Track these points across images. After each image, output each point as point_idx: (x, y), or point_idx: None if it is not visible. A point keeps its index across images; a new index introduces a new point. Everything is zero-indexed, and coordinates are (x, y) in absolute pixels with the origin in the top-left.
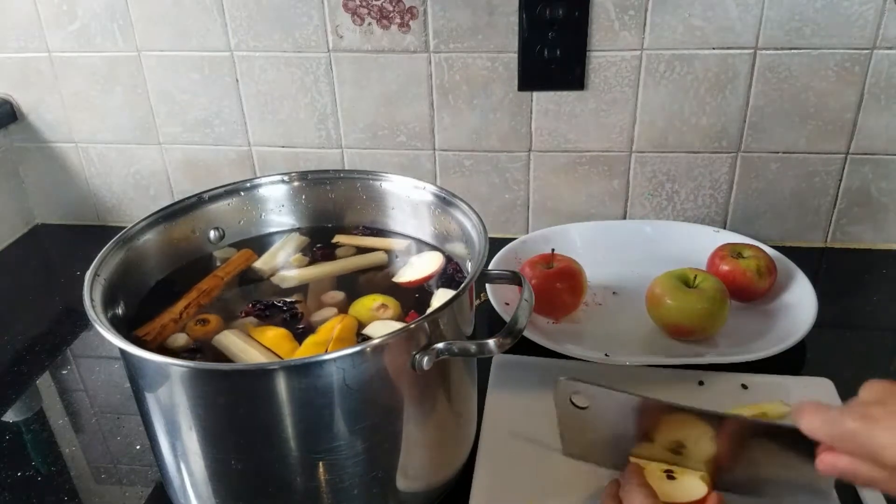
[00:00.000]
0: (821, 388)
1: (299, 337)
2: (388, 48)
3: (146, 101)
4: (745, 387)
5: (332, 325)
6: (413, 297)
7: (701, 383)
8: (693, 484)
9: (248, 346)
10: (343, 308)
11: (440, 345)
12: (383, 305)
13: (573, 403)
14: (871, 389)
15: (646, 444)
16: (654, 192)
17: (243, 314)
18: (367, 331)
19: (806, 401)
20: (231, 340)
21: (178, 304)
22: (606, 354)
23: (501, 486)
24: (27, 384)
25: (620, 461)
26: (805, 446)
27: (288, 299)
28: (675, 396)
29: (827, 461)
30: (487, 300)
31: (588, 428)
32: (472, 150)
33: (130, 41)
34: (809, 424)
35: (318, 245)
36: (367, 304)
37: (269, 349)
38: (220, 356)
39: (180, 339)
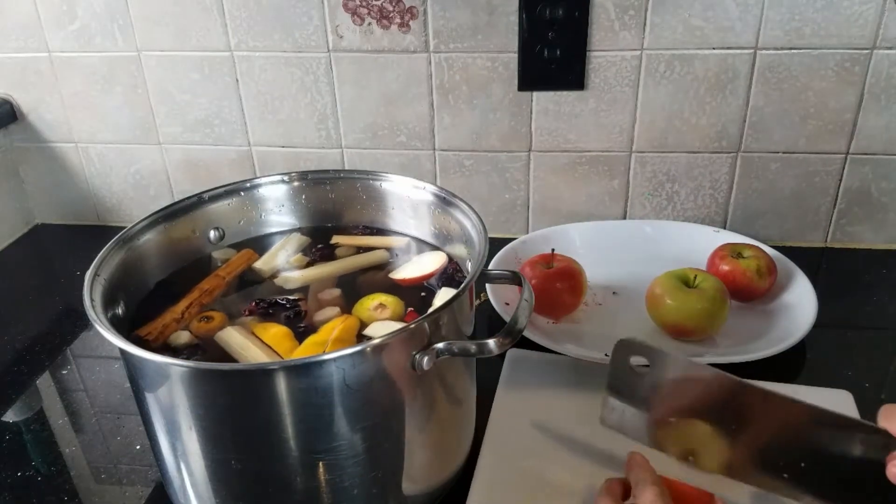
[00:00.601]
0: (840, 400)
1: (301, 336)
2: (388, 48)
3: (146, 101)
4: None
5: (333, 325)
6: (417, 297)
7: None
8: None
9: (248, 344)
10: (342, 305)
11: (440, 345)
12: (381, 305)
13: (631, 366)
14: None
15: (690, 425)
16: (654, 192)
17: (247, 312)
18: (368, 331)
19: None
20: (232, 337)
21: (180, 303)
22: (606, 354)
23: (503, 479)
24: (27, 384)
25: (657, 441)
26: (871, 450)
27: (291, 297)
28: None
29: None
30: (487, 300)
31: (638, 396)
32: (472, 150)
33: (130, 41)
34: None
35: (318, 246)
36: (367, 304)
37: (269, 347)
38: (223, 353)
39: (183, 337)
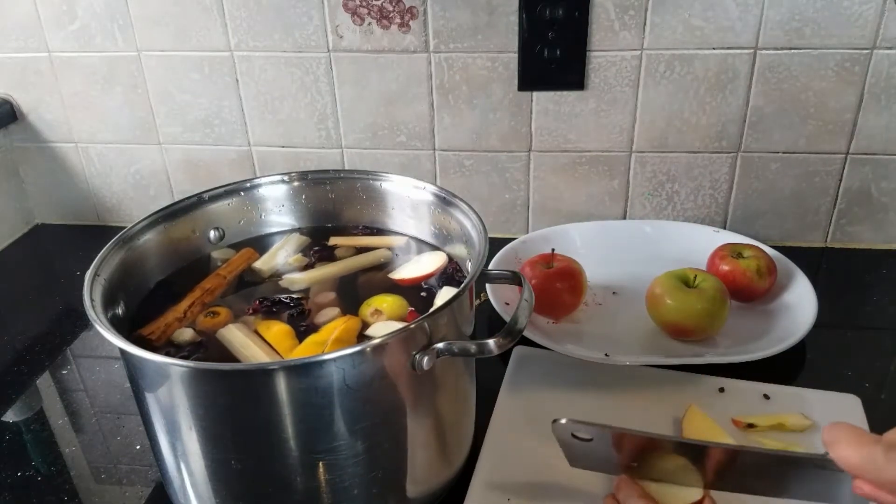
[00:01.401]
0: (848, 405)
1: (302, 335)
2: (388, 48)
3: (146, 101)
4: (767, 397)
5: (334, 326)
6: (417, 297)
7: (722, 390)
8: (688, 492)
9: (249, 342)
10: (342, 308)
11: (440, 345)
12: (376, 311)
13: (575, 437)
14: None
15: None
16: (654, 192)
17: (251, 310)
18: (369, 331)
19: (837, 424)
20: (234, 335)
21: (182, 302)
22: (606, 354)
23: (503, 478)
24: (27, 384)
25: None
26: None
27: (295, 295)
28: (695, 402)
29: (866, 489)
30: (487, 300)
31: (592, 455)
32: (472, 150)
33: (130, 41)
34: (845, 457)
35: (315, 248)
36: (365, 311)
37: (270, 345)
38: (225, 351)
39: (186, 334)
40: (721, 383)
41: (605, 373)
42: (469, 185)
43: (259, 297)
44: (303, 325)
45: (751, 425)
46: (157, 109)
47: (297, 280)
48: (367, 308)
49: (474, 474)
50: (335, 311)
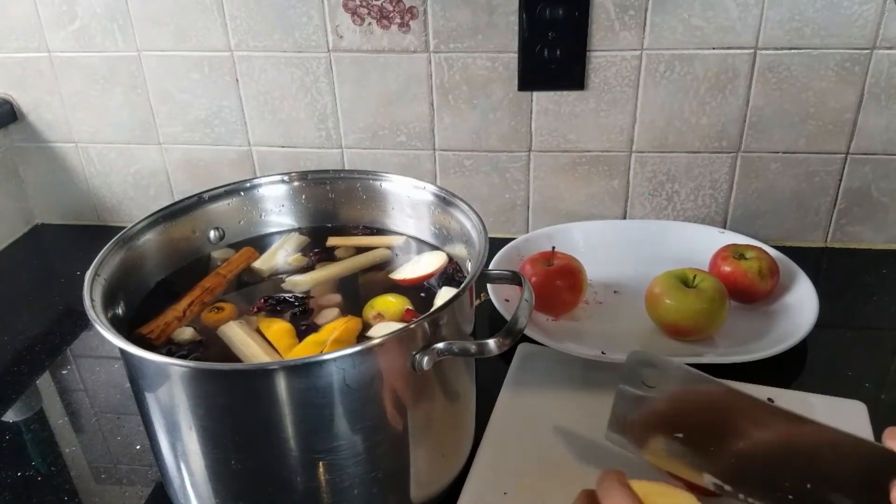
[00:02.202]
0: (852, 411)
1: (303, 334)
2: (388, 48)
3: (146, 101)
4: (770, 401)
5: (334, 326)
6: (417, 297)
7: None
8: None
9: (249, 340)
10: (343, 310)
11: (440, 345)
12: (378, 315)
13: (642, 381)
14: None
15: (694, 442)
16: (654, 192)
17: (255, 309)
18: (370, 331)
19: None
20: (234, 332)
21: (181, 301)
22: (603, 352)
23: (501, 477)
24: (27, 384)
25: (662, 461)
26: (879, 473)
27: (300, 294)
28: None
29: None
30: (488, 299)
31: (637, 414)
32: (472, 150)
33: (130, 41)
34: None
35: (317, 249)
36: (367, 312)
37: (270, 344)
38: (226, 349)
39: (186, 333)
40: None
41: (605, 372)
42: (469, 185)
43: (265, 295)
44: (304, 324)
45: None
46: (157, 109)
47: (299, 282)
48: (370, 310)
49: (472, 468)
50: (336, 311)
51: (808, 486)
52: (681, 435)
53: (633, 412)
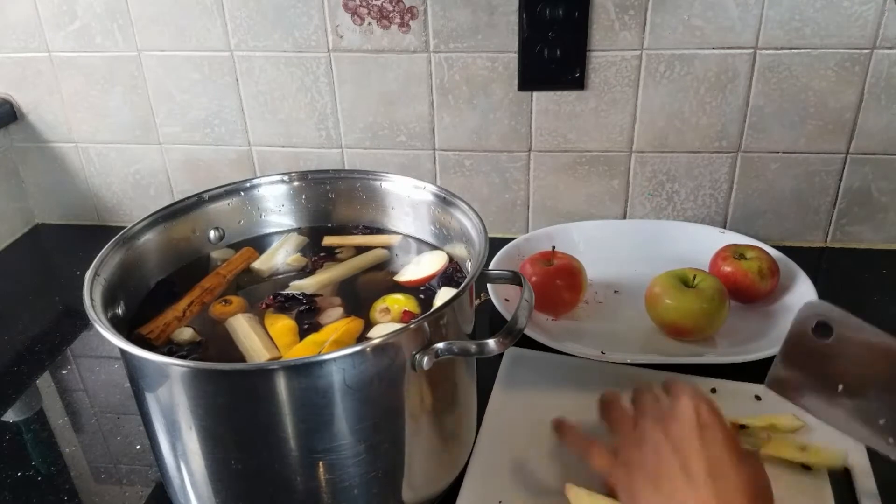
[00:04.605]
0: None
1: (305, 333)
2: (388, 48)
3: (146, 101)
4: (758, 398)
5: (335, 327)
6: (417, 297)
7: (714, 391)
8: None
9: (252, 334)
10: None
11: (440, 345)
12: (385, 309)
13: (813, 332)
14: None
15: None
16: (654, 192)
17: (264, 305)
18: (371, 332)
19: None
20: (240, 325)
21: (181, 301)
22: (603, 352)
23: (496, 478)
24: (27, 384)
25: (821, 412)
26: None
27: (309, 292)
28: None
29: None
30: (488, 299)
31: (811, 366)
32: (472, 150)
33: (130, 41)
34: None
35: (321, 253)
36: (377, 306)
37: (271, 340)
38: (226, 348)
39: (186, 333)
40: (713, 384)
41: (599, 372)
42: (469, 185)
43: (274, 291)
44: (307, 323)
45: (743, 426)
46: (156, 109)
47: (304, 286)
48: (381, 304)
49: (466, 473)
50: (339, 311)
51: None
52: (846, 388)
53: (800, 363)
